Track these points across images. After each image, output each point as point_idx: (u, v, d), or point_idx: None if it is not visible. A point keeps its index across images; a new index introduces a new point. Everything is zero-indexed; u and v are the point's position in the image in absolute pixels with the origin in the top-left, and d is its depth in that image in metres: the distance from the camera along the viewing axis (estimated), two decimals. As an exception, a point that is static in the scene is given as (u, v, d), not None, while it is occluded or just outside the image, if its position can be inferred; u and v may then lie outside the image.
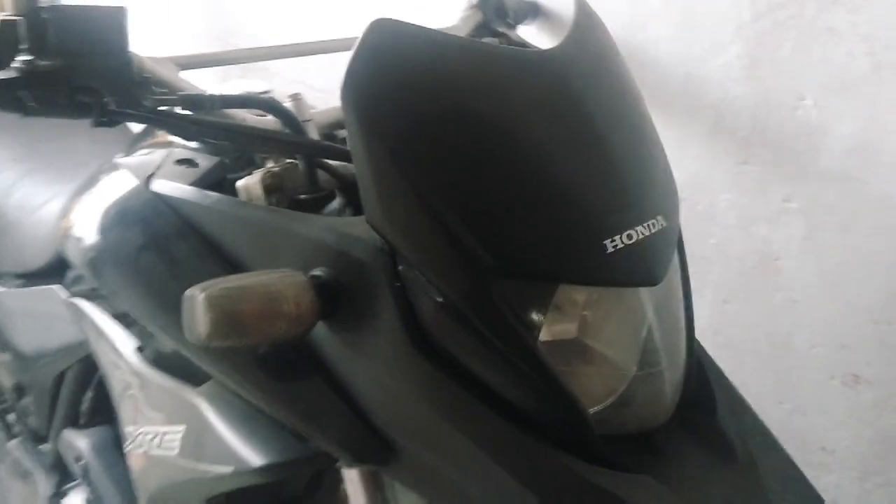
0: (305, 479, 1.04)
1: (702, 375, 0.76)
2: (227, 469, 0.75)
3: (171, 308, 0.78)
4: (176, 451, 0.83)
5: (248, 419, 0.77)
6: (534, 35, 1.11)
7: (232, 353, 0.74)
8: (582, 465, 0.63)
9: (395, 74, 0.63)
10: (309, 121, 0.83)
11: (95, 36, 0.68)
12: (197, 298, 0.62)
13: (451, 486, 0.67)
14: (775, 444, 0.75)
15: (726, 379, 0.78)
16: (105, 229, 0.84)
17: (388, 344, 0.67)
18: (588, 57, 0.71)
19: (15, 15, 0.68)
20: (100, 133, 1.57)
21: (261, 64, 1.07)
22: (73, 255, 0.87)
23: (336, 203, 0.78)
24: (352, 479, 0.81)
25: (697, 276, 1.25)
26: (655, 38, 1.13)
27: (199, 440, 0.80)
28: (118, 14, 0.69)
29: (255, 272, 0.68)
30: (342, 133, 0.90)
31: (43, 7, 0.67)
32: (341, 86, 0.62)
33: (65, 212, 0.93)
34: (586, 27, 0.74)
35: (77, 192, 0.94)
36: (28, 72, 0.67)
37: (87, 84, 0.70)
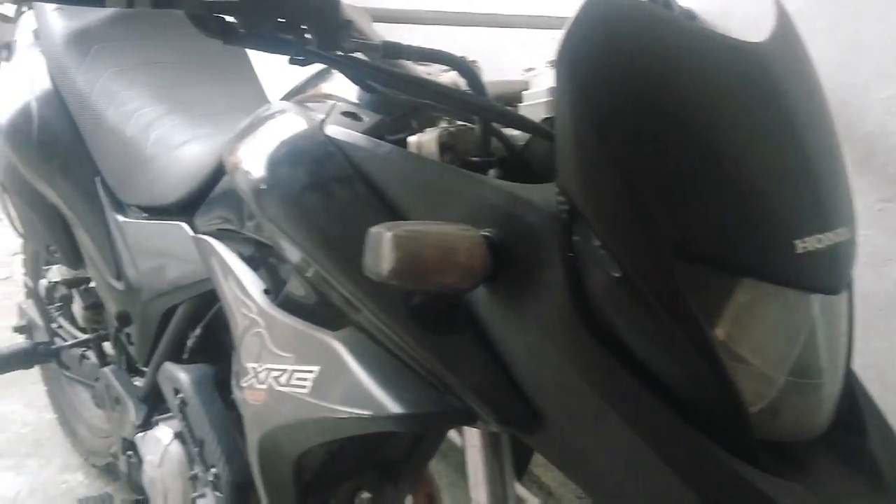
0: (407, 443, 1.05)
1: (852, 397, 0.74)
2: (365, 412, 0.76)
3: (336, 246, 0.80)
4: (306, 390, 0.85)
5: (388, 367, 0.78)
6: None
7: (392, 297, 0.75)
8: (744, 466, 0.62)
9: (611, 46, 0.64)
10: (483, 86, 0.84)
11: None
12: (384, 235, 0.64)
13: (597, 467, 0.68)
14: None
15: (878, 408, 0.76)
16: (277, 165, 0.86)
17: (552, 313, 0.67)
18: (792, 56, 0.71)
19: (240, -57, 0.70)
20: (231, 85, 1.62)
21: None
22: (243, 188, 0.90)
23: (495, 171, 0.79)
24: (474, 444, 0.81)
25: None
26: (816, 59, 1.11)
27: (334, 382, 0.82)
28: None
29: (434, 222, 0.69)
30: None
31: None
32: (557, 50, 0.63)
33: (232, 148, 0.95)
34: (787, 28, 0.74)
35: (244, 130, 0.97)
36: None
37: (294, 19, 0.72)
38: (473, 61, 0.85)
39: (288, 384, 0.88)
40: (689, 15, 1.20)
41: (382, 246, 0.63)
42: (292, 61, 0.74)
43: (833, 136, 0.73)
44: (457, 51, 0.77)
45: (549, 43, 1.42)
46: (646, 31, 0.65)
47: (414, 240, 0.64)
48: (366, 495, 1.06)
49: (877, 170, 1.10)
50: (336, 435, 0.85)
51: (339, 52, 0.74)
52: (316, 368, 0.84)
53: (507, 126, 0.78)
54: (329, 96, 0.96)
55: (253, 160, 0.89)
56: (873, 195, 1.12)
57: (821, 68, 1.12)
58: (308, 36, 0.73)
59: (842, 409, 0.72)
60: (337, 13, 0.73)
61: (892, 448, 0.73)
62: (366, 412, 0.76)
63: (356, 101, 0.93)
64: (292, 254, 0.87)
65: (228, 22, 0.72)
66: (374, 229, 0.65)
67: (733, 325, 0.65)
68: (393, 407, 0.75)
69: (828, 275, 0.65)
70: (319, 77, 1.01)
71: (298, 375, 0.87)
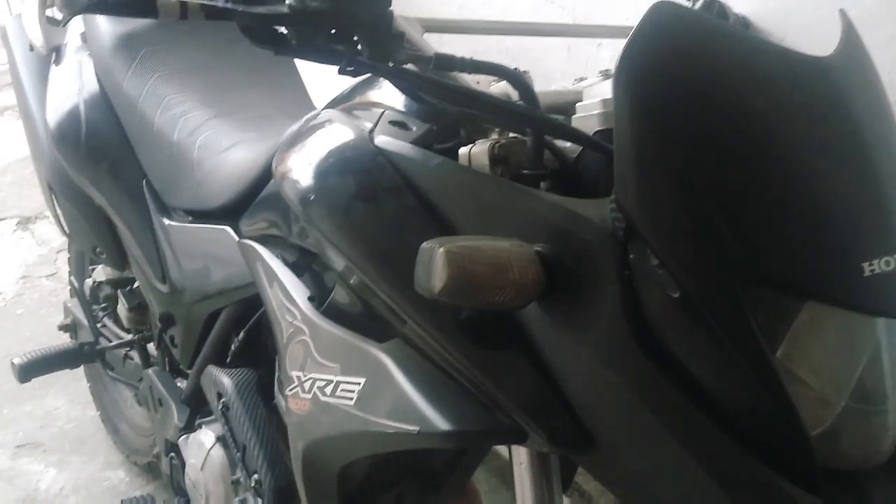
0: (450, 456, 1.04)
1: None
2: (411, 428, 0.76)
3: (384, 257, 0.80)
4: (352, 402, 0.84)
5: (436, 382, 0.77)
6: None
7: (441, 312, 0.74)
8: (805, 495, 0.61)
9: (673, 60, 0.62)
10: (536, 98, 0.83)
11: None
12: (436, 252, 0.63)
13: (651, 491, 0.66)
14: None
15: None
16: (326, 174, 0.86)
17: (607, 331, 0.66)
18: (859, 72, 0.69)
19: (291, -44, 0.70)
20: (277, 90, 1.62)
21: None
22: (291, 196, 0.90)
23: (546, 184, 0.78)
24: (521, 462, 0.80)
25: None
26: (880, 67, 1.08)
27: (380, 395, 0.81)
28: None
29: (486, 237, 0.68)
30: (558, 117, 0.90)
31: None
32: (616, 64, 0.62)
33: (282, 156, 0.95)
34: (855, 42, 0.71)
35: (292, 138, 0.97)
36: (297, 9, 0.69)
37: (346, 31, 0.71)
38: (525, 71, 0.84)
39: (333, 395, 0.87)
40: (744, 22, 1.17)
41: (435, 262, 0.62)
42: (342, 71, 0.74)
43: None
44: (503, 54, 0.76)
45: (593, 49, 1.40)
46: (708, 43, 0.63)
47: (466, 256, 0.63)
48: (409, 507, 1.06)
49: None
50: (382, 449, 0.85)
51: (395, 62, 0.74)
52: (362, 380, 0.84)
53: (561, 138, 0.77)
54: (377, 104, 0.96)
55: (302, 169, 0.89)
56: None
57: (884, 77, 1.10)
58: (360, 47, 0.72)
59: None
60: (389, 25, 0.72)
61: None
62: (412, 427, 0.75)
63: (404, 110, 0.92)
64: (338, 263, 0.87)
65: (280, 33, 0.72)
66: (426, 244, 0.64)
67: (797, 350, 0.63)
68: (440, 423, 0.74)
69: (895, 298, 0.63)
70: (367, 84, 1.01)
71: (344, 387, 0.86)
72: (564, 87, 0.88)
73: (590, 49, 1.34)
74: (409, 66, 0.75)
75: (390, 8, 0.72)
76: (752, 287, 0.61)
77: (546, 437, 0.70)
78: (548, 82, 0.90)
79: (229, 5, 0.71)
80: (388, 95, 0.94)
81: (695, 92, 0.62)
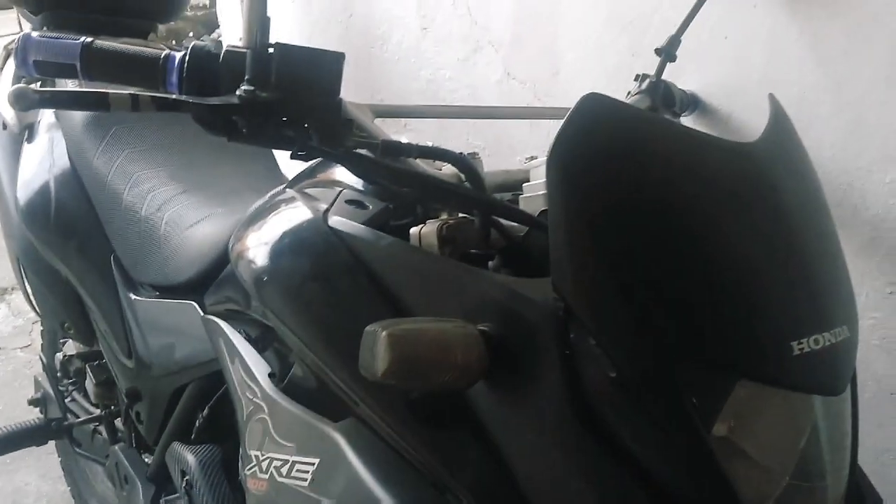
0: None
1: (859, 495, 0.73)
2: None
3: (335, 339, 0.81)
4: (306, 483, 0.84)
5: (387, 463, 0.78)
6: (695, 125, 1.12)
7: (389, 393, 0.75)
8: None
9: (603, 148, 0.65)
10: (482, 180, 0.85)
11: (312, 76, 0.71)
12: (379, 335, 0.64)
13: None
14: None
15: (882, 501, 0.74)
16: (279, 255, 0.87)
17: (550, 411, 0.67)
18: (786, 155, 0.72)
19: (244, 47, 0.73)
20: (247, 163, 1.64)
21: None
22: (245, 277, 0.91)
23: (494, 262, 0.79)
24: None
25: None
26: (819, 143, 1.13)
27: (333, 476, 0.81)
28: (336, 59, 0.73)
29: (429, 318, 0.69)
30: (505, 195, 0.92)
31: (270, 44, 0.72)
32: (549, 151, 0.64)
33: (239, 235, 0.97)
34: (783, 125, 0.74)
35: (251, 217, 0.98)
36: (248, 101, 0.71)
37: (296, 119, 0.74)
38: (475, 153, 0.87)
39: (289, 476, 0.87)
40: (692, 98, 1.21)
41: (378, 345, 0.64)
42: (294, 156, 0.76)
43: (831, 234, 0.73)
44: (471, 126, 0.78)
45: (552, 123, 1.43)
46: (637, 132, 0.66)
47: (409, 339, 0.64)
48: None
49: (884, 253, 1.10)
50: (336, 530, 0.84)
51: (344, 148, 0.76)
52: (316, 461, 0.84)
53: (506, 219, 0.79)
54: (336, 182, 0.98)
55: (256, 250, 0.91)
56: (882, 279, 1.12)
57: (825, 152, 1.14)
58: (310, 134, 0.75)
59: None
60: (338, 112, 0.74)
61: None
62: None
63: (361, 189, 0.94)
64: (293, 343, 0.88)
65: (233, 121, 0.74)
66: (369, 328, 0.65)
67: (732, 428, 0.64)
68: None
69: (827, 376, 0.64)
70: (328, 163, 1.03)
71: (299, 467, 0.86)
72: (514, 166, 0.91)
73: (549, 123, 1.38)
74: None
75: (339, 97, 0.74)
76: (686, 367, 0.62)
77: None
78: (513, 153, 0.93)
79: (181, 97, 0.73)
80: (347, 174, 0.96)
81: (624, 180, 0.64)
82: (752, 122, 1.20)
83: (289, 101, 0.72)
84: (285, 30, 2.24)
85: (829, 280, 0.68)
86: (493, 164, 0.88)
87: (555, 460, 0.67)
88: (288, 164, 1.63)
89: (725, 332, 0.62)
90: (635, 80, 1.11)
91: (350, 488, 0.78)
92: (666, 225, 0.63)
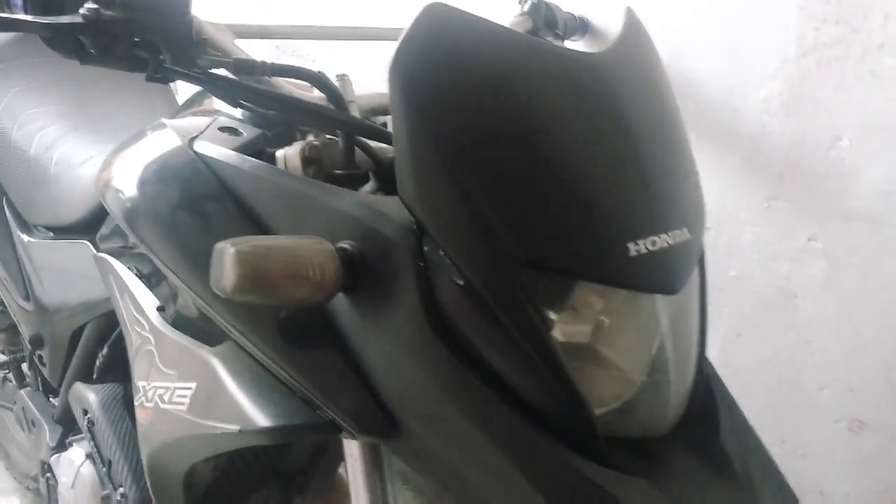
0: (307, 453, 1.06)
1: (709, 393, 0.76)
2: (233, 427, 0.77)
3: (201, 264, 0.80)
4: (185, 407, 0.85)
5: (260, 382, 0.79)
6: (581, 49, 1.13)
7: (254, 313, 0.76)
8: (584, 463, 0.64)
9: (443, 58, 0.65)
10: (353, 102, 0.85)
11: None
12: (227, 252, 0.64)
13: (450, 469, 0.69)
14: (776, 470, 0.76)
15: (733, 401, 0.79)
16: (144, 183, 0.86)
17: (406, 322, 0.68)
18: (632, 65, 0.73)
19: (87, -36, 0.71)
20: (146, 100, 1.61)
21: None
22: (112, 206, 0.90)
23: (370, 184, 0.80)
24: (352, 454, 0.82)
25: (713, 307, 1.27)
26: (700, 65, 1.15)
27: (208, 398, 0.82)
28: None
29: (285, 236, 0.70)
30: (381, 118, 0.92)
31: None
32: (389, 64, 0.64)
33: (106, 164, 0.95)
34: (634, 37, 0.75)
35: (120, 146, 0.97)
36: (92, 19, 0.69)
37: (147, 39, 0.72)
38: (343, 75, 0.86)
39: (170, 402, 0.88)
40: (581, 22, 1.22)
41: (225, 262, 0.64)
42: (150, 78, 0.75)
43: (680, 139, 0.75)
44: (345, 58, 0.78)
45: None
46: (478, 43, 0.66)
47: (259, 255, 0.64)
48: (274, 506, 1.07)
49: (761, 169, 1.14)
50: (213, 451, 0.85)
51: (197, 70, 0.75)
52: (194, 385, 0.84)
53: (370, 138, 0.79)
54: (214, 111, 0.97)
55: (123, 178, 0.90)
56: (759, 194, 1.15)
57: (705, 74, 1.16)
58: (163, 55, 0.73)
59: (696, 404, 0.74)
60: (189, 31, 0.73)
61: (744, 440, 0.75)
62: (234, 427, 0.77)
63: (240, 117, 0.93)
64: (165, 271, 0.88)
65: (82, 43, 0.72)
66: (218, 245, 0.65)
67: (576, 329, 0.67)
68: (260, 420, 0.76)
69: (664, 275, 0.67)
70: (206, 92, 1.01)
71: (179, 392, 0.87)
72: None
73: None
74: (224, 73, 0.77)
75: (190, 14, 0.73)
76: (528, 272, 0.64)
77: (354, 427, 0.72)
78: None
79: (22, 16, 0.71)
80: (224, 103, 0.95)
81: (464, 90, 0.65)
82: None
83: (136, 20, 0.71)
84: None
85: (669, 184, 0.70)
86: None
87: (412, 369, 0.68)
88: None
89: (564, 236, 0.64)
90: (519, 1, 1.11)
91: (222, 408, 0.79)
92: (506, 134, 0.64)
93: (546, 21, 1.10)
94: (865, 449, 1.15)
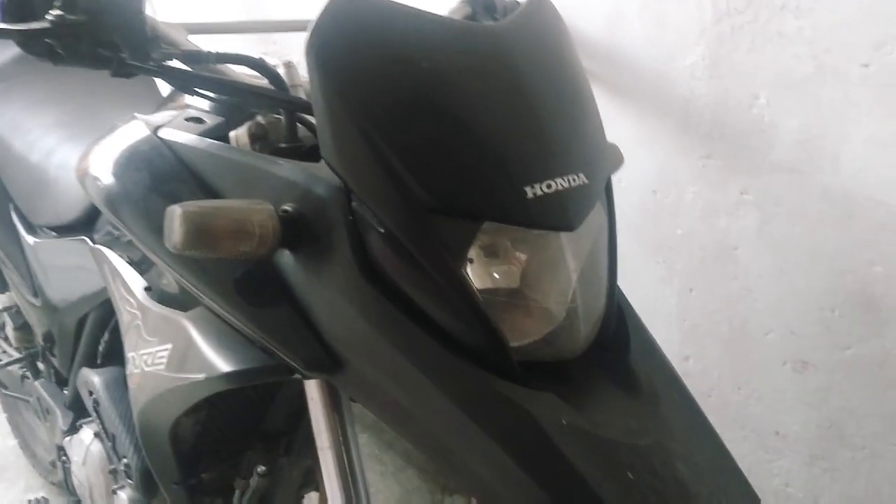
0: (287, 413, 1.16)
1: (621, 320, 0.85)
2: (200, 376, 0.87)
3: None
4: (164, 366, 0.95)
5: (225, 336, 0.89)
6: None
7: (214, 275, 0.86)
8: (501, 383, 0.73)
9: (353, 32, 0.75)
10: (299, 85, 0.95)
11: None
12: (175, 212, 0.74)
13: (387, 397, 0.78)
14: (679, 385, 0.84)
15: (643, 326, 0.87)
16: (116, 168, 0.97)
17: (341, 271, 0.78)
18: (530, 33, 0.82)
19: (51, -24, 0.81)
20: (135, 107, 1.72)
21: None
22: (90, 190, 1.01)
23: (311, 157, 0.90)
24: (313, 397, 0.92)
25: (666, 265, 1.35)
26: (631, 37, 1.23)
27: (183, 355, 0.93)
28: None
29: (231, 199, 0.80)
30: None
31: None
32: (306, 41, 0.74)
33: (84, 155, 1.06)
34: (535, 9, 0.85)
35: (96, 139, 1.08)
36: (57, 23, 0.80)
37: (108, 38, 0.83)
38: (289, 61, 0.97)
39: (152, 364, 0.99)
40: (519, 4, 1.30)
41: (174, 221, 0.74)
42: (115, 74, 0.85)
43: (582, 95, 0.84)
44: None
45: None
46: (386, 18, 0.76)
47: (204, 214, 0.74)
48: (261, 468, 1.16)
49: (693, 130, 1.22)
50: (189, 401, 0.96)
51: (153, 64, 0.85)
52: (170, 346, 0.95)
53: (309, 115, 0.89)
54: (188, 105, 1.07)
55: (96, 166, 1.01)
56: (694, 154, 1.24)
57: (635, 44, 1.25)
58: (123, 53, 0.83)
59: (607, 329, 0.82)
60: (143, 29, 0.83)
61: (651, 360, 0.84)
62: (200, 376, 0.87)
63: (206, 108, 1.04)
64: (138, 244, 0.98)
65: (52, 45, 0.83)
66: (169, 208, 0.75)
67: (485, 264, 0.76)
68: (223, 367, 0.86)
69: (560, 215, 0.75)
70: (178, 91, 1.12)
71: (159, 355, 0.97)
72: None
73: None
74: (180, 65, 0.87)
75: (144, 13, 0.83)
76: (437, 216, 0.73)
77: (303, 366, 0.82)
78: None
79: (2, 25, 0.82)
80: (195, 98, 1.05)
81: (371, 58, 0.74)
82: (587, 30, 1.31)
83: (96, 22, 0.81)
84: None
85: (567, 135, 0.79)
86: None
87: (348, 312, 0.78)
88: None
89: (465, 182, 0.73)
90: (459, -13, 1.20)
91: (193, 361, 0.90)
92: (408, 95, 0.74)
93: (485, 6, 1.20)
94: (810, 387, 1.22)
